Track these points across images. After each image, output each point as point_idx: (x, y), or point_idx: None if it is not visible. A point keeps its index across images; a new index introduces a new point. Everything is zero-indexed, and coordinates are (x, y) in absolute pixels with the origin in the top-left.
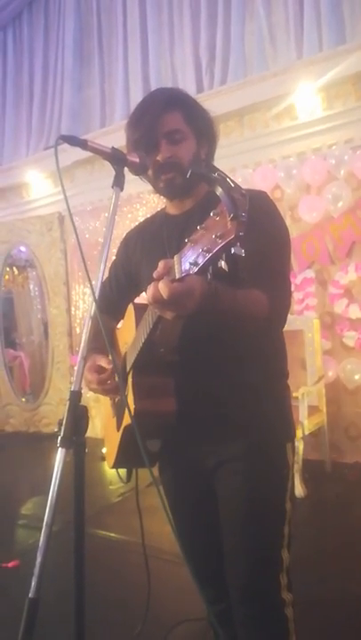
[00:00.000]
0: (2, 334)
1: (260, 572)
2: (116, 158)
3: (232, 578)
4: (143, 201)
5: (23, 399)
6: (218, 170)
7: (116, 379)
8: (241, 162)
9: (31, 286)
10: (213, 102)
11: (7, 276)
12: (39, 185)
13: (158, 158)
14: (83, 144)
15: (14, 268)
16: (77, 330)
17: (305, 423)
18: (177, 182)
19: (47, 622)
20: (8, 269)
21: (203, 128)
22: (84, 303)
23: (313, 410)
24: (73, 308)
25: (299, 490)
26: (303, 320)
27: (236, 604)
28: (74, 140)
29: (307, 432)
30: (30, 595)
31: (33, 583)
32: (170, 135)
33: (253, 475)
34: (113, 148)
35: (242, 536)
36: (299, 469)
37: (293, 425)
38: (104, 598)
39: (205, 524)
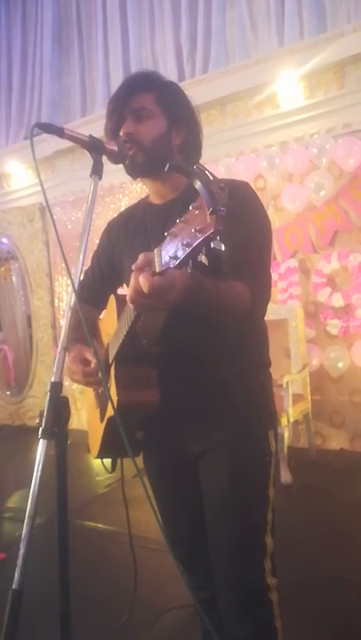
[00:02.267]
0: None
1: (245, 557)
2: (94, 146)
3: (217, 564)
4: (126, 191)
5: (8, 392)
6: (197, 163)
7: (99, 372)
8: (224, 151)
9: (14, 278)
10: (195, 91)
11: None
12: (20, 175)
13: (120, 133)
14: (59, 132)
15: None
16: (61, 322)
17: (290, 411)
18: (139, 160)
19: (33, 613)
20: None
21: (178, 112)
22: (68, 295)
23: (298, 398)
24: (56, 300)
25: (285, 477)
26: (287, 309)
27: (221, 590)
28: (50, 128)
29: (292, 420)
30: (14, 586)
31: (16, 574)
32: (135, 112)
33: (236, 462)
34: (90, 135)
35: (226, 523)
36: (284, 457)
37: (275, 413)
38: (91, 588)
39: (189, 512)
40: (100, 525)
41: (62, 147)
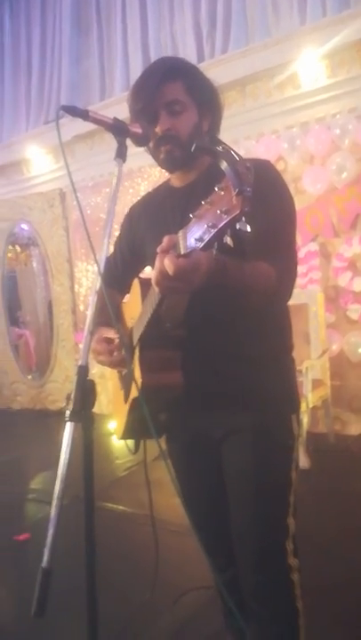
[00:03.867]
0: (6, 313)
1: (268, 539)
2: (118, 129)
3: (239, 545)
4: (145, 175)
5: (29, 377)
6: (222, 143)
7: (123, 352)
8: (243, 133)
9: (34, 264)
10: (215, 72)
11: (10, 255)
12: (40, 161)
13: (157, 130)
14: (84, 115)
15: (17, 246)
16: (81, 307)
17: (309, 396)
18: (176, 155)
19: (58, 592)
20: (11, 247)
21: (205, 99)
22: (88, 280)
23: (317, 383)
24: (76, 286)
25: (303, 461)
26: (307, 293)
27: (244, 571)
28: (75, 111)
29: (311, 405)
30: (43, 564)
31: (46, 553)
32: (169, 106)
33: (260, 445)
34: (115, 118)
35: (249, 504)
36: (303, 442)
37: (298, 397)
38: (113, 568)
39: (212, 493)
40: (120, 507)
41: (81, 131)
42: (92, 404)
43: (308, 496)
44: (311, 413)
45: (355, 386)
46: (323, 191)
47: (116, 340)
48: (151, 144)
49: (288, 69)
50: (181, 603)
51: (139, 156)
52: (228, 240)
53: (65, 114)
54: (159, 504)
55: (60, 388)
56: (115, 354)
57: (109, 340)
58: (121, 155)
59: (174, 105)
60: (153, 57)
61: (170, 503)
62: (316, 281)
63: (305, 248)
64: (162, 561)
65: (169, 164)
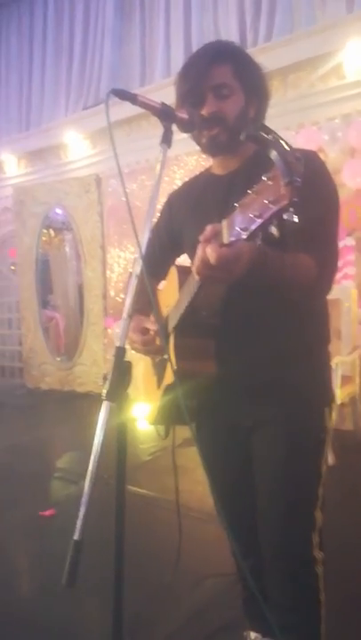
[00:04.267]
0: (39, 295)
1: (294, 529)
2: (166, 114)
3: (266, 534)
4: (181, 163)
5: (58, 359)
6: (272, 131)
7: (158, 341)
8: (283, 123)
9: (67, 249)
10: (257, 60)
11: (44, 238)
12: (77, 146)
13: (203, 112)
14: (133, 98)
15: (51, 230)
16: (112, 293)
17: (337, 393)
18: (221, 139)
19: (84, 566)
20: (45, 231)
21: (253, 84)
22: (119, 266)
23: (346, 380)
24: (108, 272)
25: (329, 458)
26: (341, 289)
27: (269, 560)
28: (124, 94)
29: (339, 402)
30: (75, 537)
31: (78, 526)
32: (217, 89)
33: (291, 436)
34: (162, 103)
35: (278, 495)
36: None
37: (332, 390)
38: (135, 551)
39: (239, 481)
40: (143, 491)
41: (119, 118)
42: (128, 385)
43: (332, 492)
44: (339, 410)
45: None
46: None
47: (152, 331)
48: (196, 128)
49: (333, 59)
50: (201, 587)
51: (175, 144)
52: (274, 230)
53: (113, 97)
54: (183, 490)
55: (87, 371)
56: (151, 344)
57: (145, 330)
58: (167, 140)
59: (222, 88)
60: (195, 44)
61: (193, 489)
62: (351, 276)
63: (341, 243)
64: (183, 546)
65: (213, 148)
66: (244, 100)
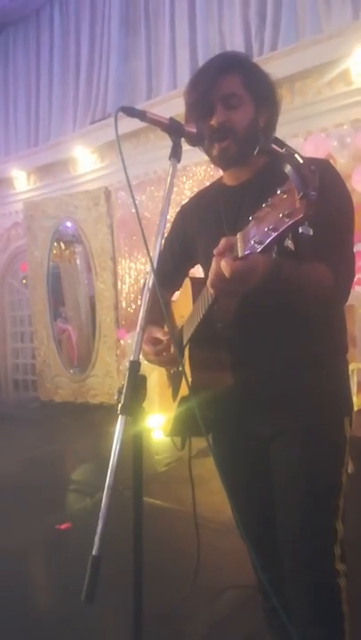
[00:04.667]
0: (51, 308)
1: (316, 542)
2: (174, 129)
3: (287, 547)
4: (190, 174)
5: (71, 371)
6: (285, 145)
7: (172, 350)
8: (291, 131)
9: (78, 261)
10: (263, 69)
11: (55, 251)
12: (86, 160)
13: (212, 122)
14: (141, 115)
15: (61, 243)
16: (123, 304)
17: (354, 400)
18: (232, 151)
19: (103, 579)
20: (55, 244)
21: (263, 94)
22: (130, 278)
23: None
24: (119, 283)
25: (348, 467)
26: (355, 295)
27: (290, 573)
28: (133, 112)
29: (356, 409)
30: (94, 552)
31: (96, 542)
32: (226, 99)
33: (311, 447)
34: (171, 118)
35: (298, 506)
36: None
37: (351, 399)
38: (153, 562)
39: (259, 493)
40: (159, 502)
41: (127, 130)
42: (143, 398)
43: (351, 501)
44: (356, 417)
45: None
46: None
47: (165, 341)
48: (206, 141)
49: (339, 66)
50: (221, 599)
51: (184, 155)
52: (289, 243)
53: (121, 114)
54: (199, 501)
55: (100, 382)
56: (163, 354)
57: (157, 341)
58: (176, 154)
59: (231, 98)
60: (201, 55)
61: (210, 500)
62: None
63: (354, 249)
64: (201, 558)
65: (223, 160)
66: (254, 111)
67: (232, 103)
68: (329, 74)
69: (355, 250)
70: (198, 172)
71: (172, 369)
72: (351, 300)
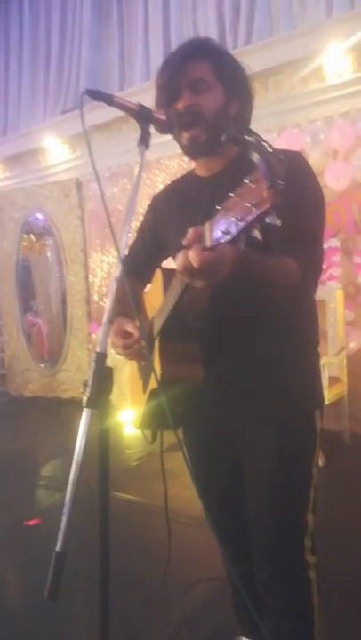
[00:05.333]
0: (20, 301)
1: (286, 534)
2: (143, 115)
3: (257, 539)
4: (163, 167)
5: (41, 365)
6: (254, 133)
7: (143, 343)
8: (265, 126)
9: (48, 254)
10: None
11: (25, 243)
12: (56, 150)
13: (179, 106)
14: (108, 99)
15: (31, 236)
16: (95, 297)
17: (325, 394)
18: (201, 140)
19: (69, 576)
20: (25, 236)
21: (234, 82)
22: (102, 271)
23: (333, 380)
24: (91, 276)
25: (319, 460)
26: (326, 290)
27: (261, 565)
28: (99, 95)
29: (326, 402)
30: (57, 549)
31: (60, 538)
32: (194, 84)
33: (281, 439)
34: (139, 104)
35: (269, 498)
36: None
37: (322, 392)
38: (124, 557)
39: (229, 485)
40: (130, 497)
41: (99, 122)
42: (110, 391)
43: (321, 494)
44: (326, 411)
45: None
46: (345, 187)
47: (136, 334)
48: (175, 128)
49: (313, 62)
50: (192, 593)
51: (157, 148)
52: (257, 234)
53: (89, 100)
54: (171, 495)
55: (72, 377)
56: (133, 347)
57: (127, 334)
58: (144, 142)
59: (199, 83)
60: (174, 46)
61: (182, 495)
62: (336, 277)
63: (326, 244)
64: (173, 551)
65: (193, 149)
66: (224, 98)
67: (199, 88)
68: (302, 70)
69: (326, 246)
70: (171, 164)
71: (143, 361)
72: (322, 296)
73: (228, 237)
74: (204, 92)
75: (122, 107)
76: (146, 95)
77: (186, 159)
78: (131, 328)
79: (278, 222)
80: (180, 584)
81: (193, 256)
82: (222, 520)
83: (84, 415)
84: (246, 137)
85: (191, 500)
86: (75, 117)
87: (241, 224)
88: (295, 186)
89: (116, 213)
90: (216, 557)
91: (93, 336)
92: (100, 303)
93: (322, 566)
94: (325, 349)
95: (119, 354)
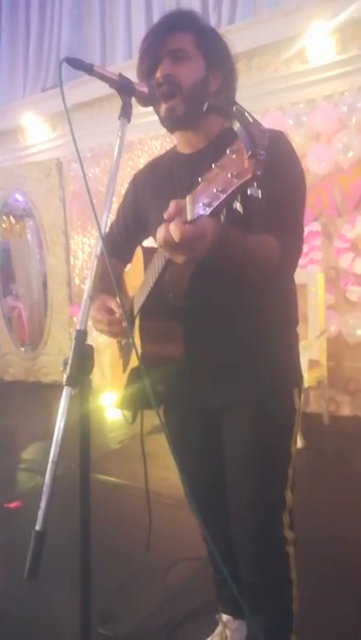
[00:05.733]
0: (0, 284)
1: (265, 510)
2: (124, 87)
3: (236, 516)
4: (145, 147)
5: (22, 349)
6: (236, 103)
7: (124, 323)
8: (248, 107)
9: (29, 236)
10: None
11: (4, 225)
12: (36, 129)
13: (157, 75)
14: (88, 68)
15: (11, 217)
16: (76, 280)
17: (305, 376)
18: (178, 111)
19: (51, 557)
20: (5, 218)
21: (216, 57)
22: (84, 253)
23: (313, 364)
24: (72, 258)
25: (297, 440)
26: (307, 274)
27: (240, 542)
28: (79, 64)
29: (307, 385)
30: (37, 527)
31: (40, 516)
32: (173, 54)
33: (261, 417)
34: (120, 74)
35: (249, 476)
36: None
37: (300, 371)
38: (106, 538)
39: (209, 465)
40: (113, 479)
41: (80, 100)
42: (90, 370)
43: (301, 475)
44: (306, 394)
45: (351, 368)
46: (327, 170)
47: (118, 313)
48: (157, 102)
49: (296, 44)
50: (173, 572)
51: (139, 128)
52: (238, 207)
53: (70, 76)
54: (153, 476)
55: (53, 360)
56: (116, 325)
57: (110, 310)
58: (126, 114)
59: (178, 52)
60: None
61: (163, 476)
62: (317, 261)
63: (307, 228)
64: (154, 532)
65: (170, 121)
66: (205, 71)
67: (178, 56)
68: (286, 51)
69: (307, 230)
70: (154, 145)
71: (123, 340)
72: (304, 279)
73: (209, 210)
74: (184, 62)
75: (102, 77)
76: (128, 74)
77: (169, 140)
78: (114, 306)
79: (259, 194)
80: (162, 563)
81: (174, 229)
82: (203, 499)
83: (65, 394)
84: (227, 106)
85: (173, 481)
86: (55, 95)
87: (222, 196)
88: (278, 164)
89: (97, 195)
90: (197, 537)
91: (75, 319)
92: (82, 286)
93: (300, 545)
94: (306, 333)
95: (101, 330)
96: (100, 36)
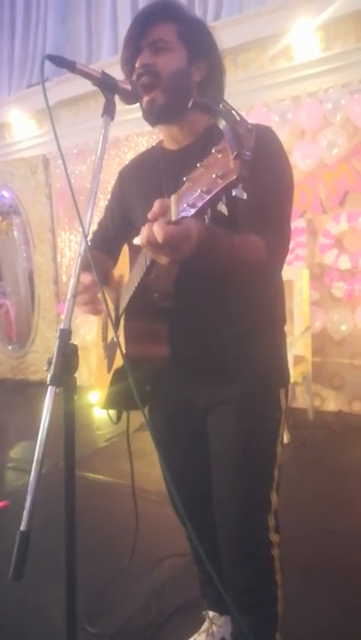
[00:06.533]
0: None
1: (250, 512)
2: (107, 84)
3: (221, 518)
4: (131, 144)
5: (9, 347)
6: (223, 101)
7: (110, 325)
8: (233, 104)
9: (15, 233)
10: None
11: None
12: (22, 126)
13: (136, 65)
14: (71, 66)
15: None
16: (63, 278)
17: (291, 372)
18: (158, 103)
19: (37, 557)
20: None
21: (200, 47)
22: (71, 251)
23: (298, 359)
24: (59, 256)
25: (284, 438)
26: (293, 270)
27: (225, 544)
28: (61, 61)
29: (292, 381)
30: (22, 528)
31: (24, 517)
32: (153, 44)
33: (246, 418)
34: (103, 72)
35: (233, 477)
36: None
37: (288, 371)
38: (93, 536)
39: (194, 465)
40: (100, 477)
41: (65, 97)
42: (75, 369)
43: (286, 470)
44: (291, 389)
45: (336, 363)
46: (312, 167)
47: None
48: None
49: (282, 40)
50: (159, 569)
51: (125, 125)
52: (223, 208)
53: (56, 73)
54: (140, 474)
55: (40, 358)
56: (95, 294)
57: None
58: (109, 112)
59: (158, 43)
60: None
61: (150, 473)
62: (302, 258)
63: (292, 224)
64: (140, 529)
65: (151, 113)
66: (186, 61)
67: (158, 47)
68: (271, 48)
69: (293, 226)
70: (140, 142)
71: (108, 340)
72: (289, 275)
73: (193, 211)
74: (164, 52)
75: (84, 74)
76: (114, 69)
77: (155, 137)
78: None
79: (245, 196)
80: (149, 560)
81: (157, 229)
82: (188, 498)
83: (49, 393)
84: (214, 103)
85: (160, 478)
86: (41, 91)
87: (207, 196)
88: (265, 162)
89: (83, 192)
90: (184, 533)
91: (62, 317)
92: (69, 284)
93: (284, 540)
94: (291, 329)
95: (83, 305)
96: (86, 32)
